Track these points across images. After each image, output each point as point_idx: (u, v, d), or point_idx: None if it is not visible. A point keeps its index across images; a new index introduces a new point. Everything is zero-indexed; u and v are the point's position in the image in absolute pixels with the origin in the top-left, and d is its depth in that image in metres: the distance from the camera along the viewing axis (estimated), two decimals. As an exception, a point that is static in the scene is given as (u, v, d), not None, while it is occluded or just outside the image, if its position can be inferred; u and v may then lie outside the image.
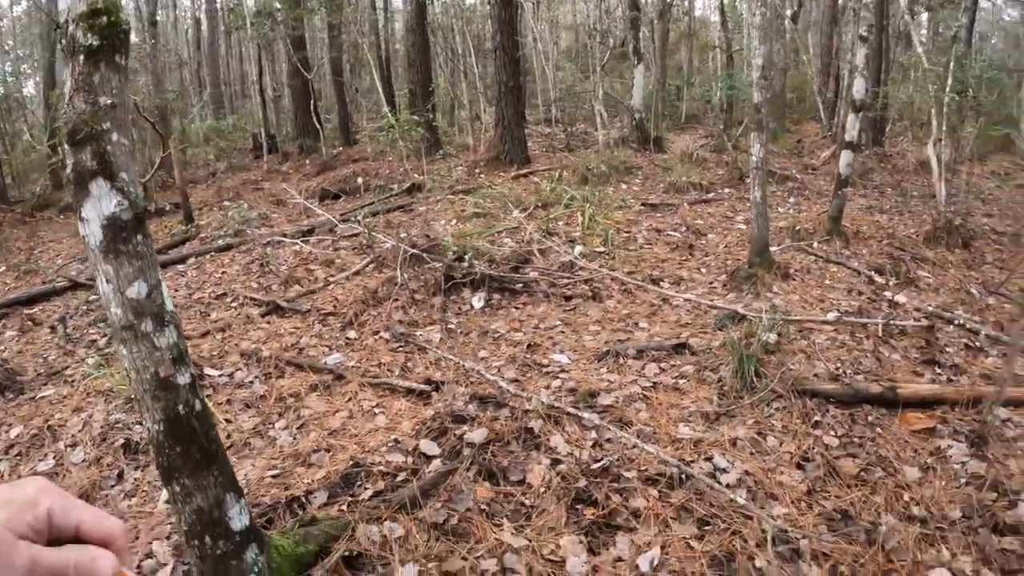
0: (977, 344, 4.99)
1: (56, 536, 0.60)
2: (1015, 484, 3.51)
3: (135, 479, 3.67)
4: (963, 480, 3.48)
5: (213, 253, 7.67)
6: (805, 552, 2.91)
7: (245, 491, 3.38)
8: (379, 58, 16.16)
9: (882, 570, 2.94)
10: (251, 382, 4.70)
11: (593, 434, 3.21)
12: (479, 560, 2.65)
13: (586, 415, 3.32)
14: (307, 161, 13.60)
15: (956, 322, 5.26)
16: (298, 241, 7.20)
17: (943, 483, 3.43)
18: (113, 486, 3.64)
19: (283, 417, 4.24)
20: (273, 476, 3.55)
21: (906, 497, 3.32)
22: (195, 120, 17.47)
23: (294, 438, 3.97)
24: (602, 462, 3.01)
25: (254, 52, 16.87)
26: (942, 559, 3.00)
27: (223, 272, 7.00)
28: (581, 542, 2.69)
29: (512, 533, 2.72)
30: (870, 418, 3.94)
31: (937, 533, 3.13)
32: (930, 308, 5.47)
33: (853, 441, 3.68)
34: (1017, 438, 3.88)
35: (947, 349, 4.86)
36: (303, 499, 3.19)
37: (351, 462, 3.38)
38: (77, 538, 0.61)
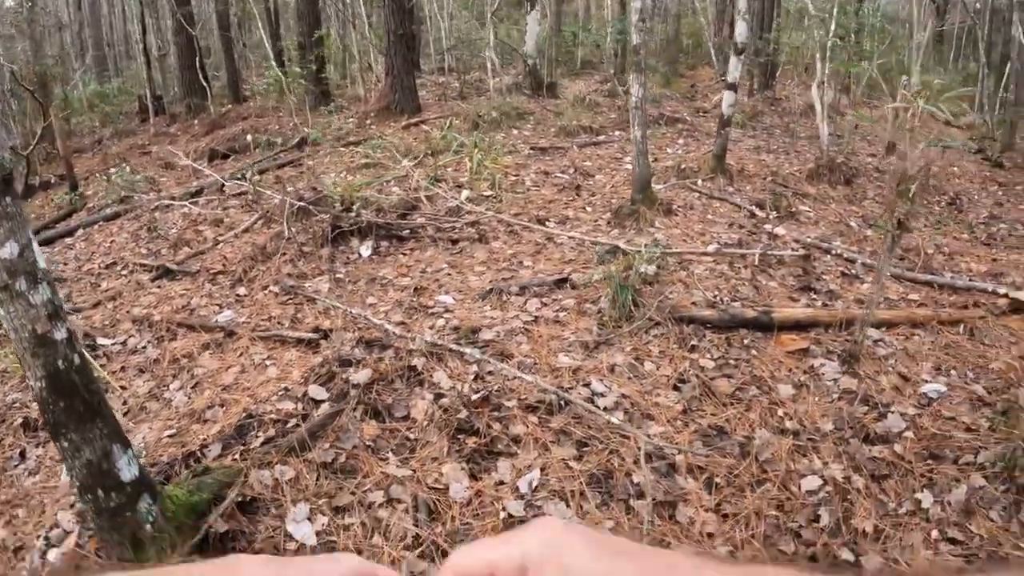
0: (853, 272, 5.29)
1: None
2: (884, 398, 3.81)
3: (37, 456, 3.63)
4: (835, 396, 3.76)
5: (101, 223, 7.43)
6: (680, 467, 3.13)
7: (143, 453, 3.39)
8: (267, 10, 15.61)
9: (756, 480, 3.18)
10: (144, 347, 4.64)
11: (474, 368, 3.34)
12: (366, 493, 2.76)
13: (468, 350, 3.44)
14: (195, 121, 13.13)
15: (833, 252, 5.56)
16: (186, 203, 7.04)
17: (816, 399, 3.69)
18: (17, 466, 3.60)
19: (177, 378, 4.23)
20: (170, 436, 3.57)
21: (779, 413, 3.57)
22: (78, 86, 16.56)
23: (189, 397, 3.97)
24: (482, 393, 3.14)
25: (137, 10, 16.04)
26: (814, 468, 3.26)
27: (112, 241, 6.81)
28: (463, 468, 2.82)
29: (397, 466, 2.83)
30: (746, 341, 4.18)
31: (809, 444, 3.39)
32: (808, 239, 5.76)
33: (729, 363, 3.91)
34: (887, 356, 4.19)
35: (823, 277, 5.14)
36: (198, 453, 3.22)
37: (244, 414, 3.42)
38: None
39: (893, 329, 4.43)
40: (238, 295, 4.80)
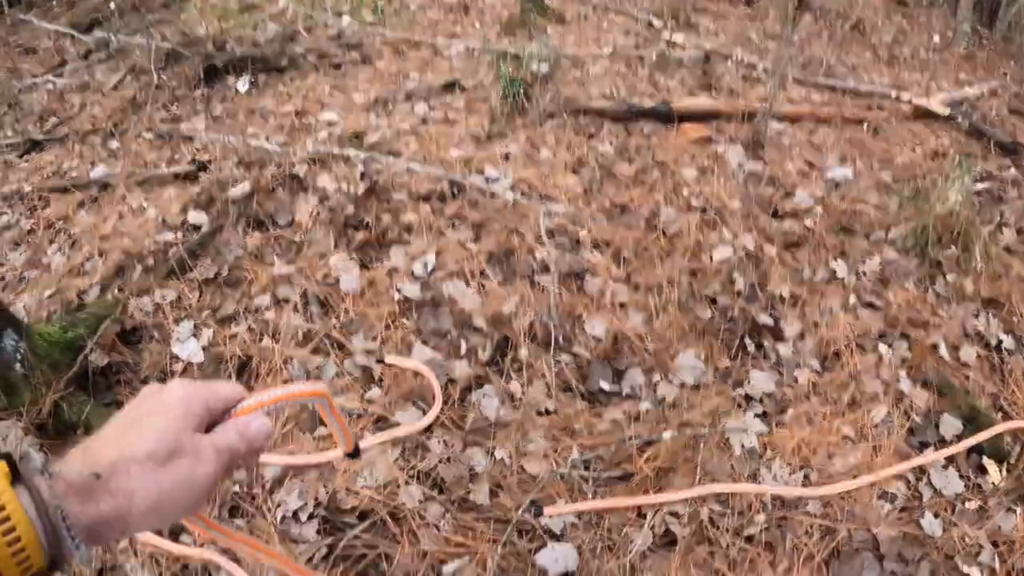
0: (755, 76, 5.07)
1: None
2: (791, 181, 3.69)
3: None
4: (741, 178, 3.62)
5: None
6: (585, 242, 2.98)
7: (24, 319, 3.11)
8: None
9: (664, 252, 3.06)
10: (16, 221, 4.25)
11: (360, 168, 3.09)
12: (252, 299, 2.55)
13: (353, 152, 3.18)
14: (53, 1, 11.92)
15: (734, 58, 5.30)
16: (50, 78, 6.41)
17: (721, 181, 3.55)
18: None
19: (54, 242, 3.88)
20: (50, 296, 3.28)
21: (685, 192, 3.42)
22: None
23: (67, 257, 3.65)
24: (368, 185, 2.91)
25: None
26: (724, 238, 3.14)
27: (-25, 132, 6.19)
28: (352, 259, 2.62)
29: (283, 268, 2.62)
30: (646, 131, 4.00)
31: (717, 219, 3.26)
32: (707, 46, 5.50)
33: (629, 149, 3.73)
34: (792, 145, 4.06)
35: (724, 78, 4.93)
36: (76, 298, 2.95)
37: (123, 256, 3.14)
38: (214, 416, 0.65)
39: (797, 123, 4.30)
40: (110, 149, 4.39)
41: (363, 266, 2.64)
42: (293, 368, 2.24)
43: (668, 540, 2.01)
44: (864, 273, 3.02)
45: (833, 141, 4.08)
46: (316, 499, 1.87)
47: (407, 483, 1.98)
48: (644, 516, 2.04)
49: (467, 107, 3.86)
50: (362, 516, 1.91)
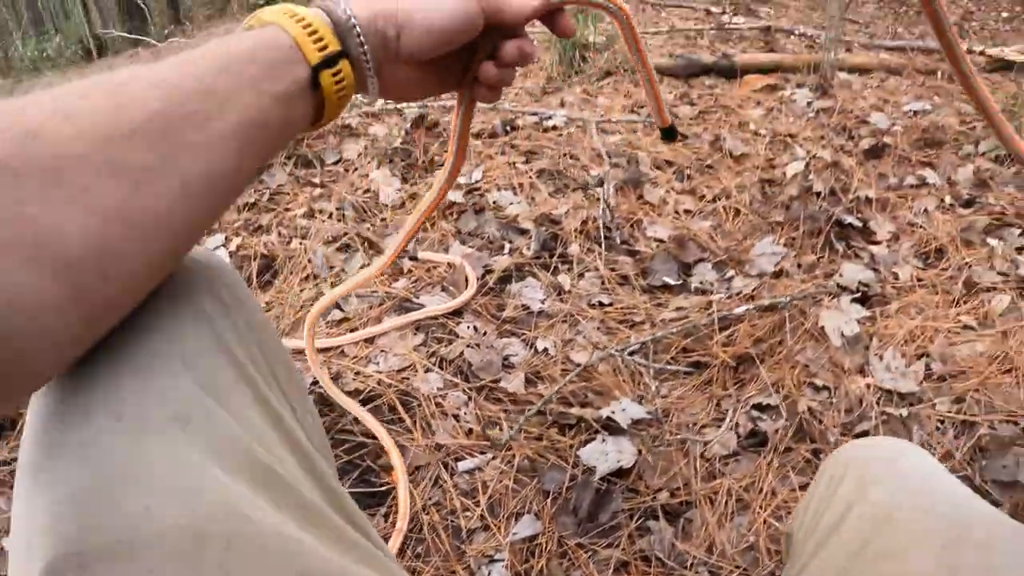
0: (818, 43, 4.73)
1: None
2: (865, 112, 3.28)
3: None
4: (811, 115, 3.25)
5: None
6: (644, 160, 2.59)
7: None
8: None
9: (731, 169, 2.66)
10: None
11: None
12: (288, 212, 2.27)
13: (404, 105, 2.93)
14: (138, 49, 12.32)
15: (797, 32, 5.02)
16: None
17: (790, 119, 3.18)
18: None
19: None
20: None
21: (752, 127, 3.05)
22: (17, 47, 15.64)
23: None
24: (416, 118, 2.63)
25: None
26: (797, 155, 2.73)
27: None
28: (395, 175, 2.32)
29: (323, 189, 2.33)
30: (707, 83, 3.67)
31: (789, 140, 2.88)
32: (767, 24, 5.20)
33: (691, 96, 3.40)
34: (862, 88, 3.67)
35: (786, 47, 4.61)
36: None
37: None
38: None
39: (866, 75, 3.91)
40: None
41: (404, 180, 2.34)
42: (316, 259, 1.92)
43: (757, 441, 1.56)
44: (957, 181, 2.55)
45: (907, 86, 3.64)
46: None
47: (427, 370, 1.61)
48: (722, 408, 1.61)
49: (523, 72, 3.60)
50: (367, 401, 1.54)
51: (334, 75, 0.54)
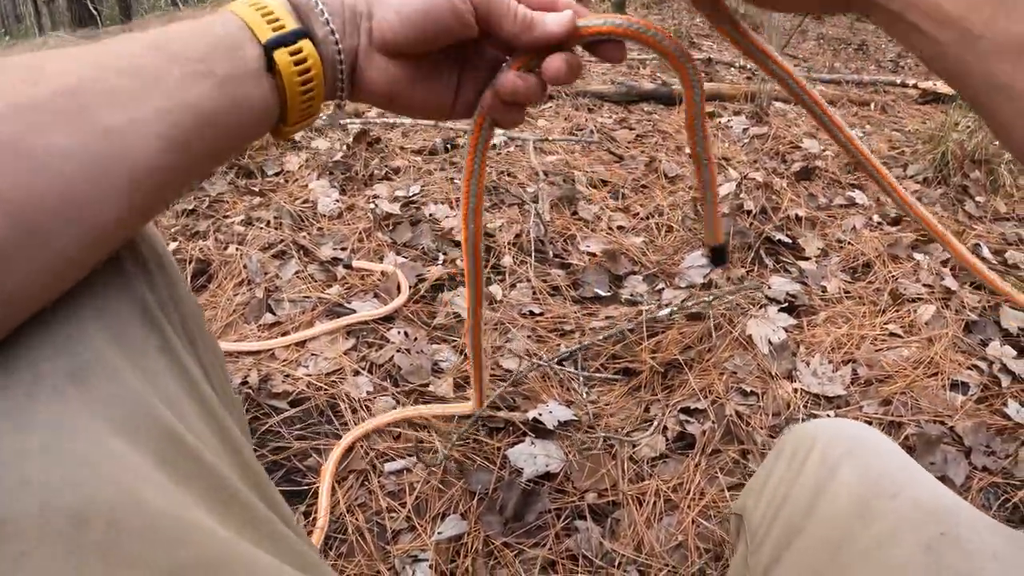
0: (756, 75, 4.84)
1: None
2: (797, 138, 3.37)
3: None
4: (747, 140, 3.32)
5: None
6: (580, 179, 2.59)
7: None
8: None
9: (665, 189, 2.68)
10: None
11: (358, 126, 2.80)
12: (226, 219, 2.21)
13: (349, 121, 2.90)
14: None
15: (737, 65, 5.12)
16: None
17: (726, 144, 3.24)
18: None
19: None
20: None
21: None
22: None
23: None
24: (358, 132, 2.60)
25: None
26: (731, 176, 2.76)
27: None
28: (333, 186, 2.28)
29: (262, 198, 2.28)
30: (646, 108, 3.73)
31: (724, 164, 2.91)
32: (709, 56, 5.32)
33: (629, 121, 3.45)
34: (797, 117, 3.77)
35: (726, 78, 4.73)
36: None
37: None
38: None
39: (800, 105, 4.03)
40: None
41: (343, 192, 2.31)
42: (251, 264, 1.87)
43: (685, 444, 1.55)
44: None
45: (841, 116, 3.75)
46: (245, 379, 1.46)
47: (356, 373, 1.56)
48: (650, 413, 1.60)
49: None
50: (295, 403, 1.49)
51: (292, 55, 0.49)
